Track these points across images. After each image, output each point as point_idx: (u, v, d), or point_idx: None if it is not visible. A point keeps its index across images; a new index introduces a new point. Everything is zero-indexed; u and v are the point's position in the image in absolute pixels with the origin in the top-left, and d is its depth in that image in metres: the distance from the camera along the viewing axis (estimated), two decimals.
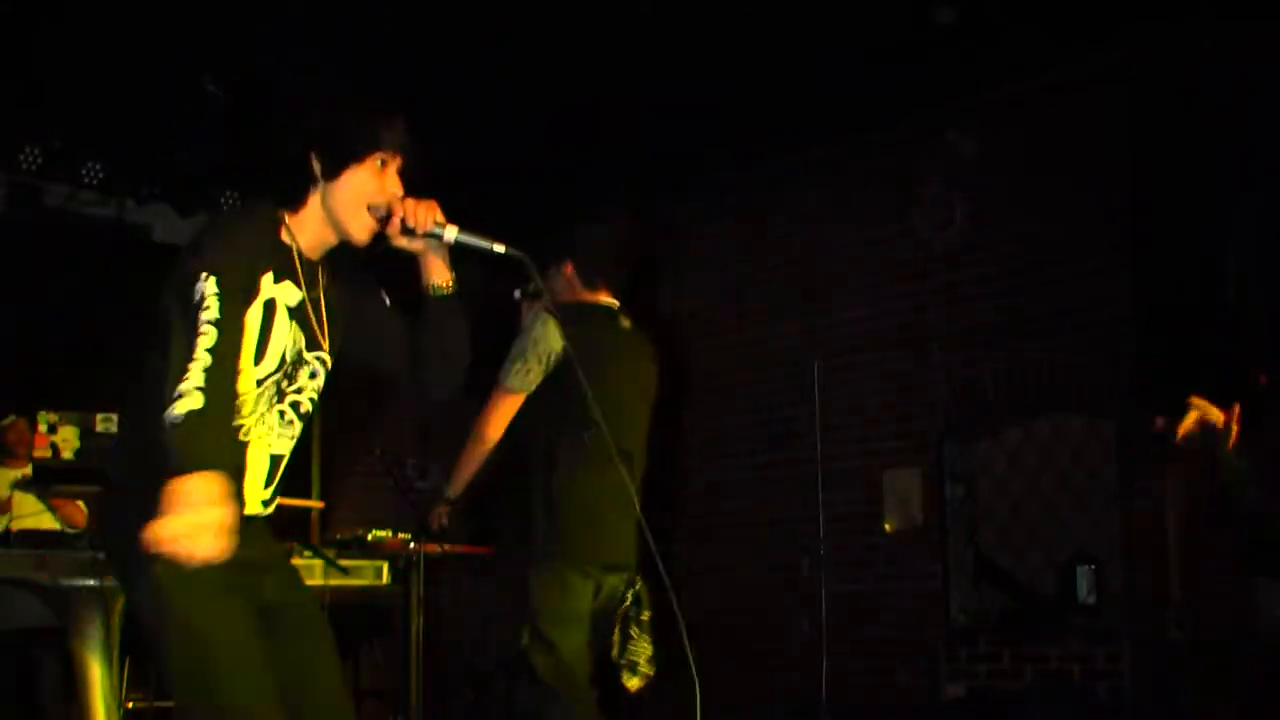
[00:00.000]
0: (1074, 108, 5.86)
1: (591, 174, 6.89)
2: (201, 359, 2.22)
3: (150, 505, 2.27)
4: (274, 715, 2.39)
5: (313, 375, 2.57)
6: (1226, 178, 4.92)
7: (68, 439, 4.60)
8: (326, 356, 2.60)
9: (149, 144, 6.44)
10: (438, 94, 5.68)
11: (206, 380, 2.21)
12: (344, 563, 4.42)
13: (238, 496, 2.45)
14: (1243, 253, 4.86)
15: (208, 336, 2.26)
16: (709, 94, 5.99)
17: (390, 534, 4.76)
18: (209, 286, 2.27)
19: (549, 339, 3.62)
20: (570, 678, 3.68)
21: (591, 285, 3.83)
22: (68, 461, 4.57)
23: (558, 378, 3.63)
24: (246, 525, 2.47)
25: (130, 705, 4.50)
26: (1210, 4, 5.05)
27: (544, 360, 3.65)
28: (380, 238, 2.55)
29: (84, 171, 6.60)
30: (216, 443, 2.24)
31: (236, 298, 2.31)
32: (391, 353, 2.69)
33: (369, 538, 4.67)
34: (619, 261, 3.82)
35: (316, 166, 2.50)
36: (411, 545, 4.66)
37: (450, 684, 6.79)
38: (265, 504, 2.57)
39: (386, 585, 4.61)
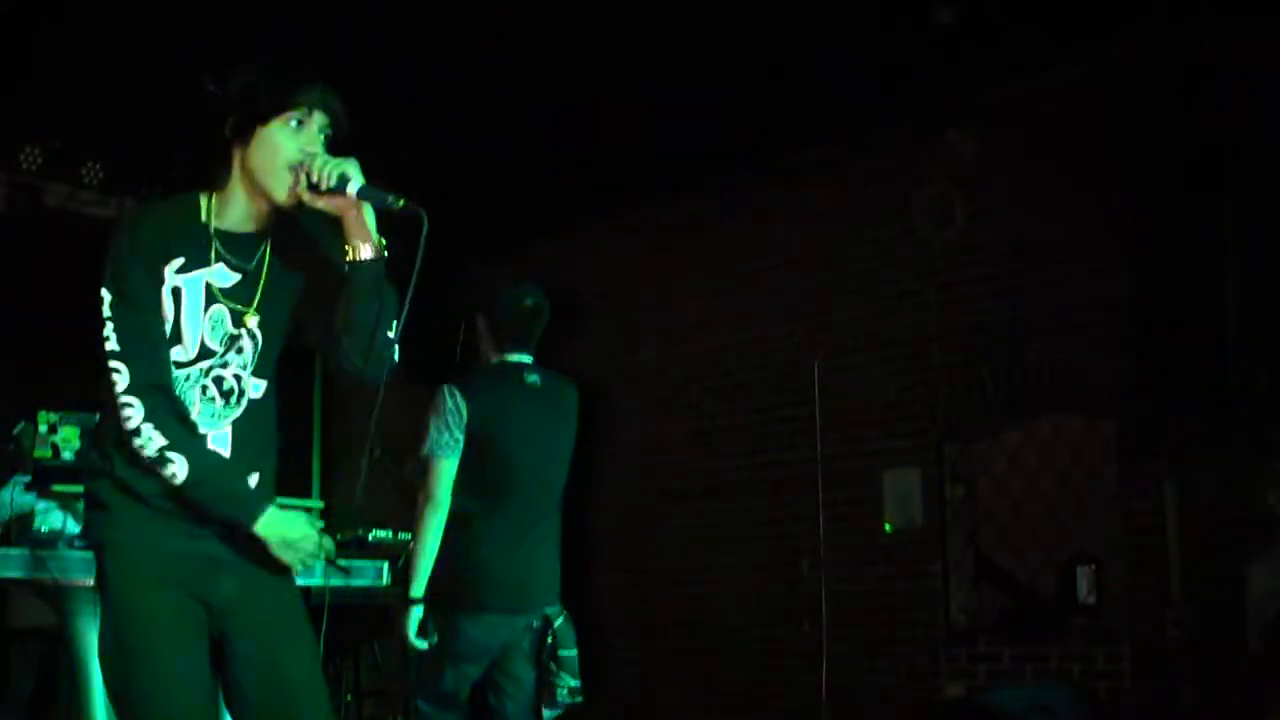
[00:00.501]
0: (1074, 108, 5.86)
1: (592, 174, 6.89)
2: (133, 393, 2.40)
3: (104, 495, 2.45)
4: (183, 706, 2.41)
5: (239, 350, 2.52)
6: (1226, 178, 4.91)
7: (68, 439, 4.58)
8: (255, 330, 2.52)
9: (149, 144, 6.44)
10: (438, 94, 5.69)
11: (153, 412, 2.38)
12: (344, 563, 4.42)
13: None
14: (1243, 253, 4.85)
15: (121, 371, 2.41)
16: (709, 94, 5.98)
17: (390, 534, 4.75)
18: (105, 305, 2.42)
19: (454, 405, 3.90)
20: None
21: (502, 344, 4.09)
22: (68, 462, 4.56)
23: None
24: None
25: None
26: (1210, 4, 5.05)
27: (456, 424, 3.90)
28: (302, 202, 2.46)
29: (84, 171, 6.60)
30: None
31: (132, 301, 2.42)
32: (319, 330, 2.55)
33: (369, 538, 4.66)
34: (528, 322, 4.10)
35: (227, 131, 2.48)
36: (411, 545, 4.65)
37: None
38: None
39: (386, 585, 4.61)
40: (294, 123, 2.45)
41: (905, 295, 6.48)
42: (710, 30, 5.47)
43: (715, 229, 7.38)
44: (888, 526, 6.42)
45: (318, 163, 2.40)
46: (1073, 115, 5.86)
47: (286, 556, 2.47)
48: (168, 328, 2.45)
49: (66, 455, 4.53)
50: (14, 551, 3.81)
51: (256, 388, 2.56)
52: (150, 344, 2.43)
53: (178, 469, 2.37)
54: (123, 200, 6.86)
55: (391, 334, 2.50)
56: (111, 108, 6.04)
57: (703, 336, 7.36)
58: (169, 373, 2.45)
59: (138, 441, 2.37)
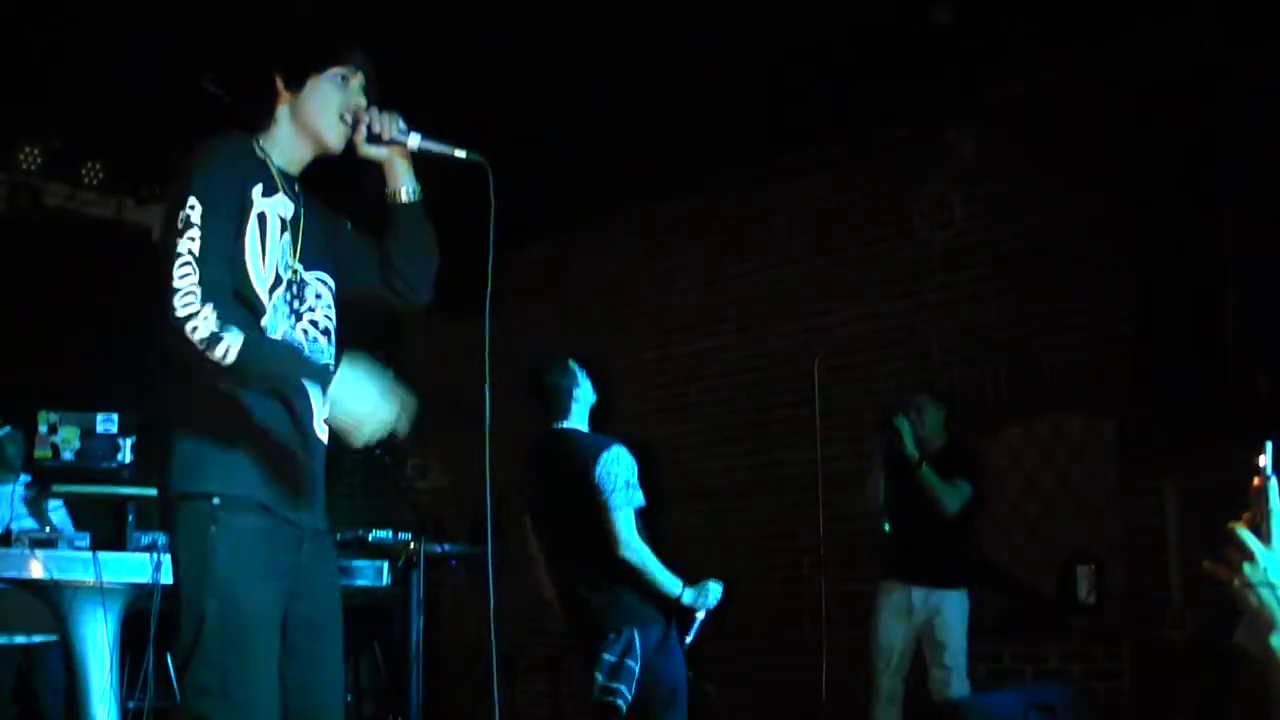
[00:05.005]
0: (1074, 108, 5.86)
1: (591, 174, 6.89)
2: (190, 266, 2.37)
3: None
4: (270, 712, 2.42)
5: (318, 295, 2.65)
6: (1226, 178, 4.92)
7: (68, 439, 4.59)
8: (326, 277, 2.67)
9: (149, 144, 6.44)
10: (436, 95, 5.68)
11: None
12: (344, 563, 4.42)
13: (304, 415, 2.54)
14: (1242, 253, 4.85)
15: (190, 245, 2.39)
16: (709, 93, 5.99)
17: (390, 534, 4.75)
18: (194, 213, 2.41)
19: None
20: None
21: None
22: (68, 462, 4.57)
23: None
24: (310, 459, 2.55)
25: (130, 705, 4.50)
26: (1210, 4, 5.05)
27: None
28: (351, 148, 2.67)
29: (84, 171, 6.61)
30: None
31: (221, 217, 2.43)
32: (368, 268, 2.78)
33: (369, 538, 4.66)
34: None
35: (280, 81, 2.63)
36: (411, 545, 4.65)
37: (450, 684, 6.79)
38: (325, 421, 2.58)
39: (386, 585, 4.60)
40: (340, 78, 2.64)
41: (905, 295, 6.48)
42: (710, 29, 5.47)
43: (715, 229, 7.38)
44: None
45: (376, 114, 2.63)
46: (1073, 115, 5.86)
47: (348, 426, 2.42)
48: (256, 253, 2.51)
49: (67, 455, 4.54)
50: (14, 551, 3.81)
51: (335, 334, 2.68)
52: (226, 256, 2.45)
53: (230, 343, 2.30)
54: (123, 200, 6.86)
55: (434, 260, 2.78)
56: (111, 108, 6.04)
57: (703, 336, 7.36)
58: (229, 292, 2.46)
59: (192, 324, 2.30)
